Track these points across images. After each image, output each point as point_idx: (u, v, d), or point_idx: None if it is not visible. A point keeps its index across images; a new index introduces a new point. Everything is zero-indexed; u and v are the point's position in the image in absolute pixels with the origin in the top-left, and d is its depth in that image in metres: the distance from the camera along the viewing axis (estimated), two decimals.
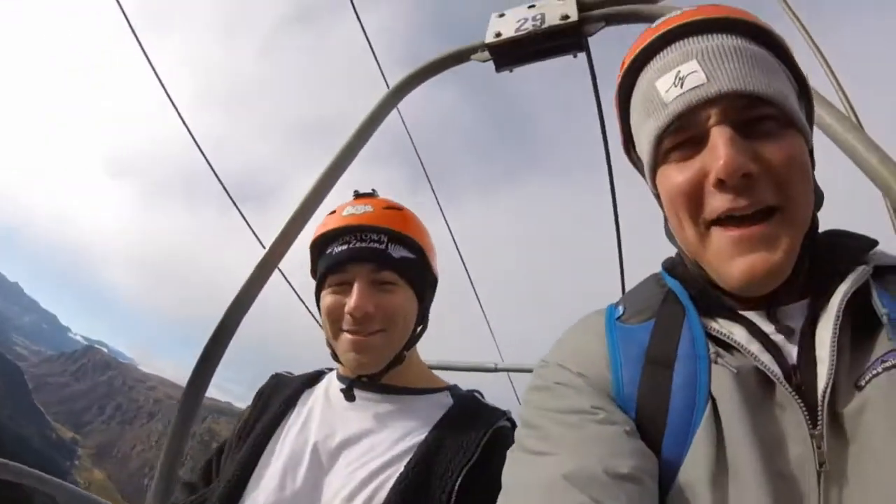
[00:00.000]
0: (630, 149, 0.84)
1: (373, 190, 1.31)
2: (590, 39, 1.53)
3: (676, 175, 0.71)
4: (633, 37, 0.85)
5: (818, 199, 0.74)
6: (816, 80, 0.94)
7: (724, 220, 0.68)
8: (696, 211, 0.70)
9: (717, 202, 0.68)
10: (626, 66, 0.79)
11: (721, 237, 0.69)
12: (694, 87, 0.69)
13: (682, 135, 0.71)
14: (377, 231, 1.18)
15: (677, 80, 0.70)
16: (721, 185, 0.67)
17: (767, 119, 0.68)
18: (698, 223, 0.71)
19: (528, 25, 1.55)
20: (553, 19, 1.50)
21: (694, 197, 0.70)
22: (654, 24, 0.78)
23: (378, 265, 1.15)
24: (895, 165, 0.89)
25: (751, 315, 0.72)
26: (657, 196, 0.78)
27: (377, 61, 3.97)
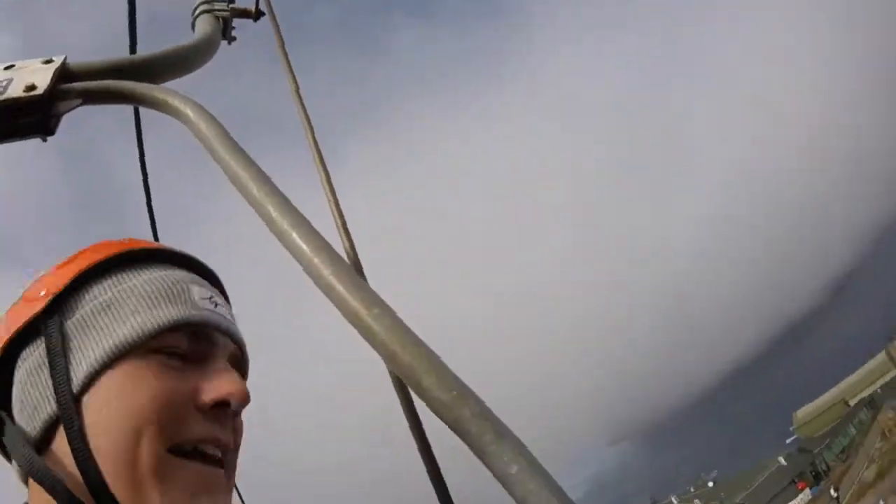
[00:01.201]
0: (62, 303, 0.68)
1: None
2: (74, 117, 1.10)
3: (164, 382, 0.63)
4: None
5: None
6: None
7: (192, 452, 0.63)
8: (169, 430, 0.61)
9: (201, 427, 0.64)
10: (147, 248, 0.76)
11: (192, 470, 0.62)
12: (224, 317, 0.73)
13: (190, 343, 0.68)
14: None
15: (211, 300, 0.73)
16: (217, 409, 0.65)
17: None
18: (165, 444, 0.61)
19: None
20: (17, 89, 1.05)
21: (175, 414, 0.62)
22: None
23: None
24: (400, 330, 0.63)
25: None
26: (75, 397, 0.62)
27: None
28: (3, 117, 1.07)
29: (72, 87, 1.09)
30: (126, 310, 0.67)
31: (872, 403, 52.44)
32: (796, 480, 52.88)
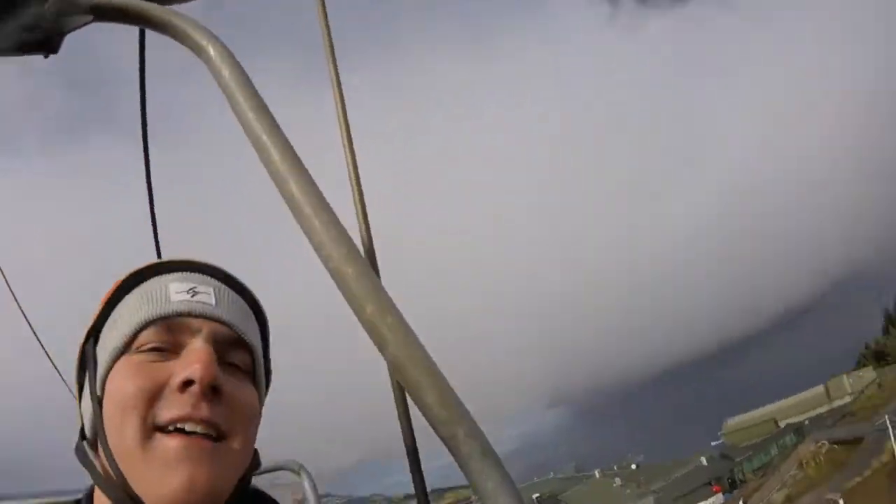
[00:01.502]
0: (90, 341, 0.83)
1: None
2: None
3: (140, 373, 0.74)
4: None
5: (255, 460, 0.81)
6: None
7: (173, 430, 0.71)
8: (147, 412, 0.71)
9: (176, 407, 0.71)
10: (141, 269, 0.86)
11: (170, 442, 0.70)
12: (201, 302, 0.79)
13: (166, 335, 0.76)
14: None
15: (191, 291, 0.80)
16: (185, 388, 0.71)
17: (238, 367, 0.79)
18: (146, 425, 0.71)
19: None
20: None
21: (151, 398, 0.72)
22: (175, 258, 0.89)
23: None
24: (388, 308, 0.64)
25: None
26: (99, 399, 0.76)
27: None
28: (3, 30, 0.97)
29: (80, 1, 0.98)
30: (121, 322, 0.79)
31: (800, 431, 55.17)
32: (713, 483, 55.58)
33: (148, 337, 0.77)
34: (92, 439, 0.79)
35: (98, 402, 0.76)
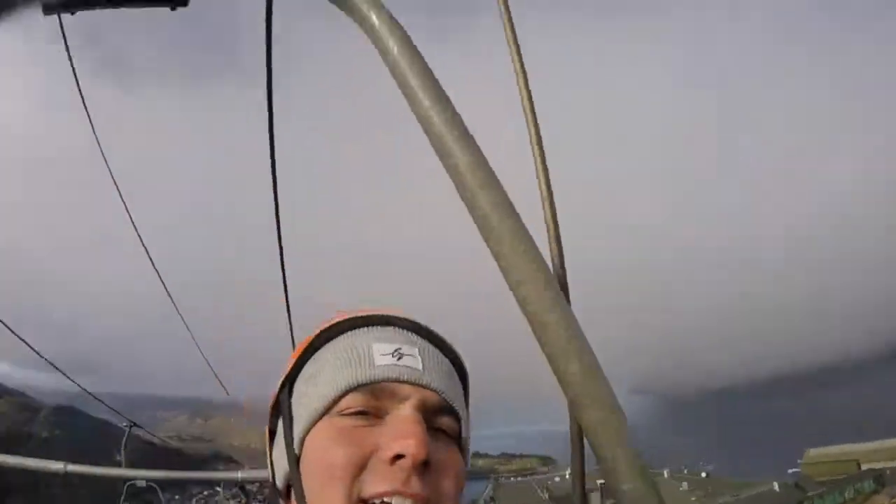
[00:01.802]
0: (284, 390, 0.85)
1: None
2: None
3: (346, 440, 0.72)
4: None
5: None
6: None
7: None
8: (353, 483, 0.70)
9: (386, 481, 0.69)
10: (339, 322, 0.84)
11: None
12: (408, 367, 0.76)
13: (372, 400, 0.75)
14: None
15: (396, 353, 0.77)
16: (395, 461, 0.69)
17: (444, 432, 0.77)
18: (351, 497, 0.70)
19: None
20: None
21: (358, 468, 0.70)
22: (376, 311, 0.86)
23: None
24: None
25: None
26: (296, 457, 0.77)
27: None
28: None
29: None
30: (320, 381, 0.79)
31: (880, 478, 52.82)
32: None
33: (352, 401, 0.75)
34: (283, 490, 0.82)
35: (295, 460, 0.76)
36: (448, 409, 0.79)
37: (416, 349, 0.81)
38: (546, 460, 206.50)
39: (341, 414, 0.76)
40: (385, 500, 0.69)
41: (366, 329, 0.84)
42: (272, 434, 0.88)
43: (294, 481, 0.76)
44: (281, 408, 0.83)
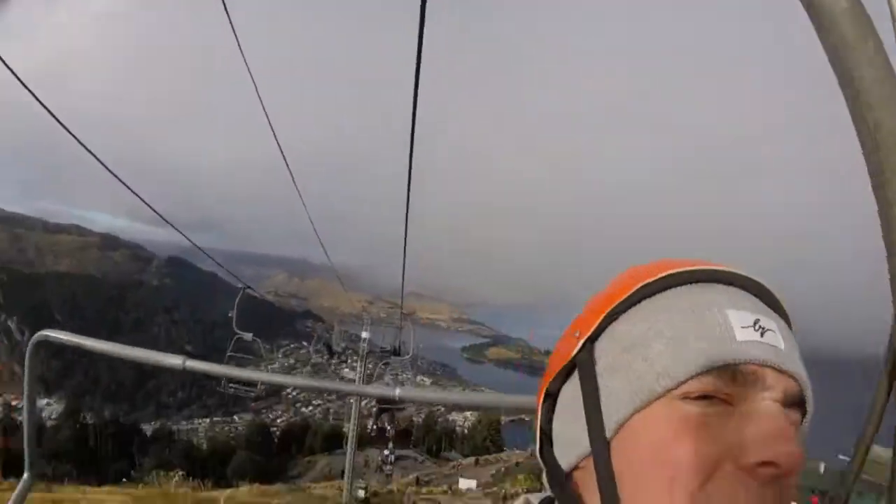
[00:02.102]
0: (594, 346, 0.65)
1: None
2: None
3: (699, 436, 0.55)
4: None
5: None
6: None
7: None
8: (699, 491, 0.54)
9: (741, 492, 0.53)
10: (672, 274, 0.63)
11: None
12: (773, 346, 0.58)
13: (730, 386, 0.56)
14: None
15: (757, 326, 0.59)
16: (758, 469, 0.53)
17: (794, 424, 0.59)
18: None
19: None
20: None
21: (709, 472, 0.54)
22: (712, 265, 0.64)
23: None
24: None
25: None
26: (606, 441, 0.60)
27: None
28: None
29: None
30: (651, 353, 0.59)
31: None
32: (815, 492, 57.29)
33: (704, 384, 0.56)
34: (564, 473, 0.66)
35: (605, 443, 0.60)
36: (801, 403, 0.60)
37: (774, 322, 0.61)
38: None
39: (686, 398, 0.57)
40: None
41: (711, 288, 0.63)
42: (550, 397, 0.70)
43: (602, 471, 0.59)
44: (581, 371, 0.65)
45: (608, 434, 0.60)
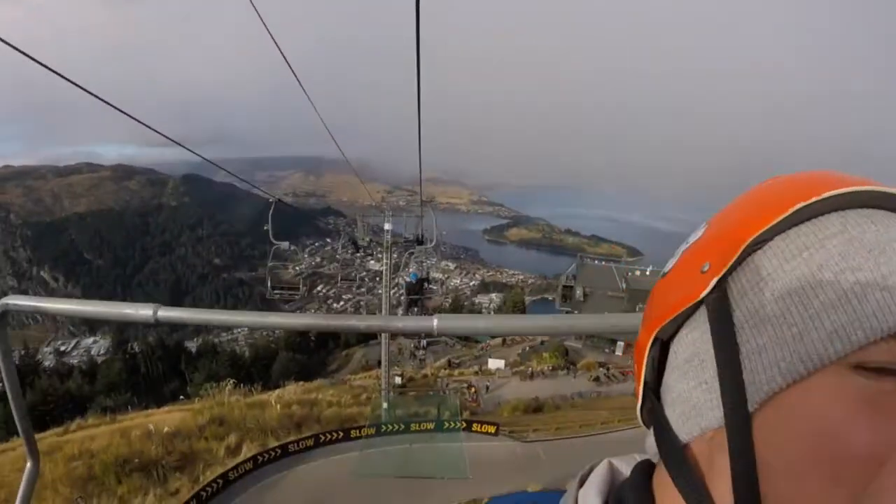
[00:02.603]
0: (731, 282, 0.47)
1: None
2: None
3: (878, 422, 0.39)
4: None
5: None
6: None
7: None
8: (862, 489, 0.40)
9: None
10: (844, 193, 0.46)
11: None
12: None
13: None
14: None
15: None
16: None
17: None
18: None
19: None
20: None
21: (871, 469, 0.39)
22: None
23: None
24: None
25: None
26: (747, 416, 0.44)
27: None
28: None
29: None
30: (817, 303, 0.42)
31: None
32: None
33: (886, 351, 0.40)
34: (684, 440, 0.50)
35: (746, 417, 0.44)
36: None
37: None
38: (633, 252, 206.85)
39: (860, 367, 0.41)
40: None
41: (890, 218, 0.45)
42: (658, 343, 0.53)
43: (738, 454, 0.44)
44: (711, 318, 0.47)
45: (751, 406, 0.44)
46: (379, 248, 23.83)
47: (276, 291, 20.01)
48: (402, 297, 22.57)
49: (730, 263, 0.47)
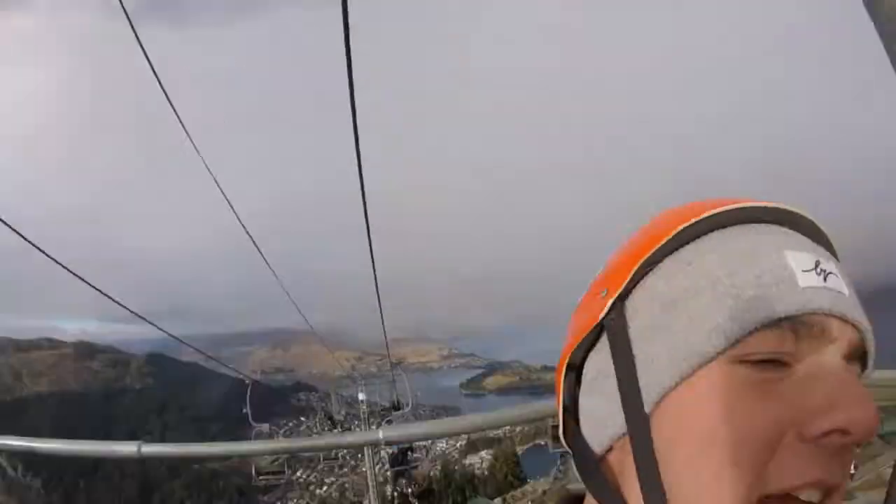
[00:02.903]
0: (625, 304, 0.53)
1: None
2: None
3: (757, 408, 0.44)
4: None
5: None
6: None
7: (783, 498, 0.44)
8: (758, 473, 0.43)
9: (804, 467, 0.43)
10: (719, 213, 0.52)
11: None
12: (838, 292, 0.48)
13: (790, 342, 0.46)
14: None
15: (819, 269, 0.48)
16: (824, 439, 0.43)
17: None
18: (750, 495, 0.43)
19: None
20: None
21: (768, 449, 0.44)
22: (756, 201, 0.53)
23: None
24: None
25: None
26: (645, 417, 0.49)
27: None
28: None
29: None
30: (698, 307, 0.48)
31: None
32: None
33: (763, 342, 0.46)
34: (597, 456, 0.55)
35: (644, 419, 0.49)
36: (863, 356, 0.50)
37: (833, 264, 0.50)
38: None
39: (742, 361, 0.46)
40: (794, 493, 0.44)
41: (762, 228, 0.52)
42: (573, 370, 0.58)
43: (640, 453, 0.48)
44: (610, 337, 0.53)
45: (647, 408, 0.49)
46: (356, 421, 23.05)
47: (261, 478, 18.80)
48: (388, 472, 21.45)
49: (623, 284, 0.53)
